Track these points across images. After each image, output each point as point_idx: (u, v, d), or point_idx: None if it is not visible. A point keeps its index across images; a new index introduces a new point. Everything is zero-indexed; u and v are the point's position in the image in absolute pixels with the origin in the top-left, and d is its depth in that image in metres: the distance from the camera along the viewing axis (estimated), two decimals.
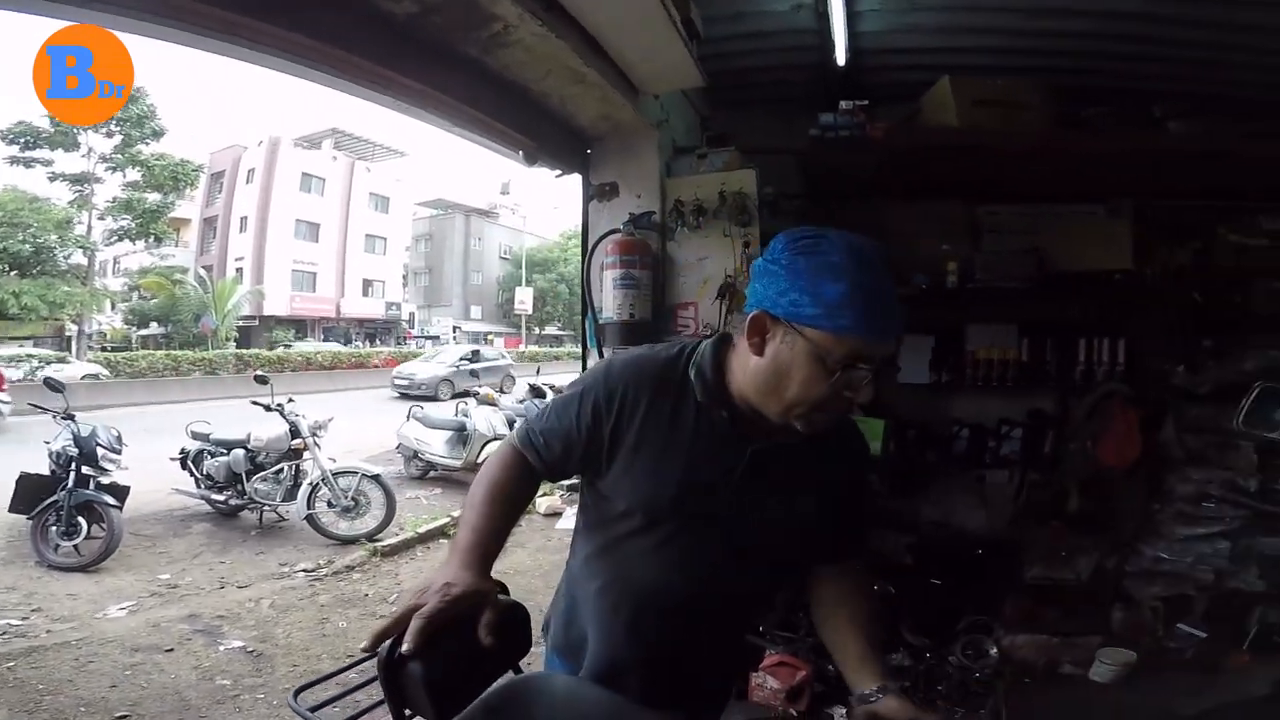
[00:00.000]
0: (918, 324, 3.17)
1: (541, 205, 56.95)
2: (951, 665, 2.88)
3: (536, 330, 38.58)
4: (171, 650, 3.63)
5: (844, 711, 2.67)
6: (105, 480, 5.20)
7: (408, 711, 0.98)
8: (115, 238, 23.05)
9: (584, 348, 2.74)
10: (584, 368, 2.74)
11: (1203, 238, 2.92)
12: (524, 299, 33.11)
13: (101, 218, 22.84)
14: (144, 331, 26.00)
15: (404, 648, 0.92)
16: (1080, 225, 3.00)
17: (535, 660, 1.39)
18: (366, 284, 33.08)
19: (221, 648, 3.69)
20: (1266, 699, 2.19)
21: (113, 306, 27.15)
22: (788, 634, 2.92)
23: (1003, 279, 2.89)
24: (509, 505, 1.17)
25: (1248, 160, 2.57)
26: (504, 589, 1.11)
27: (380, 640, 0.95)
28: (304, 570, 5.00)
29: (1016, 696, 2.46)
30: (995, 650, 2.93)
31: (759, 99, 3.22)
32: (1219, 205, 2.95)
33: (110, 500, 5.04)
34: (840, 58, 2.74)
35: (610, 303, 2.48)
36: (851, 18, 2.62)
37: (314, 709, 1.16)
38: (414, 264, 39.20)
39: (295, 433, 5.94)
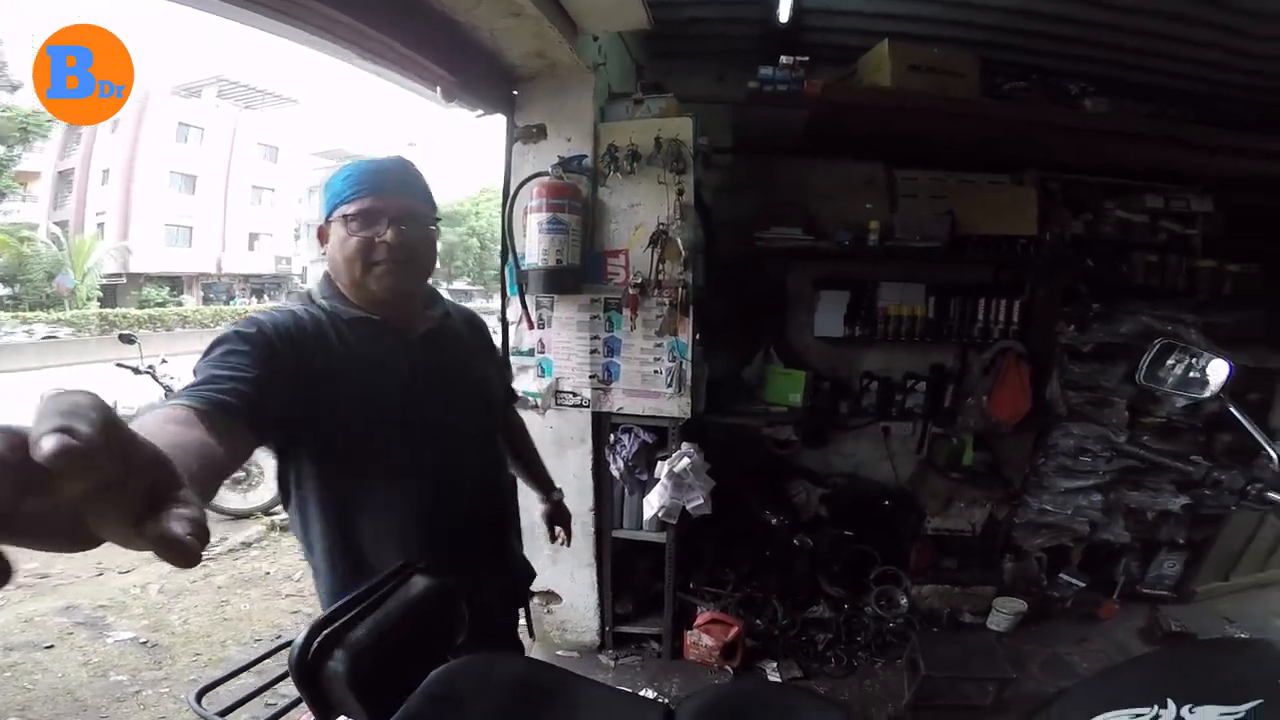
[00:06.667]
0: (834, 280, 3.28)
1: (452, 158, 54.41)
2: (867, 616, 3.05)
3: (445, 285, 37.26)
4: (52, 647, 3.17)
5: (774, 665, 2.78)
6: None
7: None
8: None
9: (503, 295, 2.60)
10: (502, 314, 2.62)
11: (1094, 211, 3.15)
12: None
13: None
14: None
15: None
16: (991, 193, 3.15)
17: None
18: (253, 237, 30.39)
19: (110, 640, 3.26)
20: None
21: None
22: (715, 590, 2.98)
23: (918, 239, 3.01)
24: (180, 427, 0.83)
25: (1142, 140, 2.76)
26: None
27: None
28: None
29: (928, 644, 2.58)
30: (905, 600, 3.12)
31: (699, 51, 3.15)
32: (1110, 182, 3.18)
33: None
34: (784, 14, 2.69)
35: (535, 248, 2.35)
36: None
37: (222, 713, 1.04)
38: (308, 216, 36.62)
39: (170, 397, 5.38)
